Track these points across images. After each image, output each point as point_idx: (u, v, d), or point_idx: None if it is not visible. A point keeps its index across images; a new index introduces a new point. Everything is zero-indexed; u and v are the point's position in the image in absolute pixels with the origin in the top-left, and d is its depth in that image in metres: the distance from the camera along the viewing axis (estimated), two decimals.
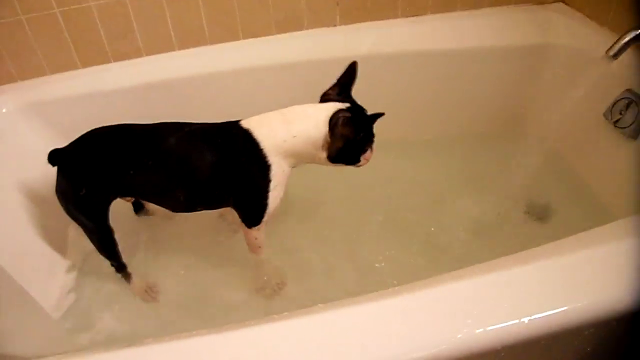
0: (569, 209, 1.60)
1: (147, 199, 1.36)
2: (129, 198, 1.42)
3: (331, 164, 1.20)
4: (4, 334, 0.83)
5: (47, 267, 1.42)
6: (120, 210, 1.35)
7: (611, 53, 1.28)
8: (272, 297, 1.40)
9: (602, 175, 1.56)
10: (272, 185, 1.19)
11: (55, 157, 1.22)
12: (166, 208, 1.31)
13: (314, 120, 1.15)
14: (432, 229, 1.58)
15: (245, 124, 1.20)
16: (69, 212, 1.27)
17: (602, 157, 1.55)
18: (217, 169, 1.18)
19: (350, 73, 1.23)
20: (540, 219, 1.59)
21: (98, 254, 1.36)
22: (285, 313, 0.90)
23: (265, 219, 1.26)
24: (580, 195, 1.61)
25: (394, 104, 1.71)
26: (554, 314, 0.85)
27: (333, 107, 1.15)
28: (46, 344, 0.89)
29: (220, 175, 1.18)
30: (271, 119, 1.19)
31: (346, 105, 1.17)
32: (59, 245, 1.49)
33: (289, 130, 1.16)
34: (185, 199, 1.23)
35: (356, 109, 1.19)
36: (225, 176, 1.19)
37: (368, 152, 1.22)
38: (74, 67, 1.57)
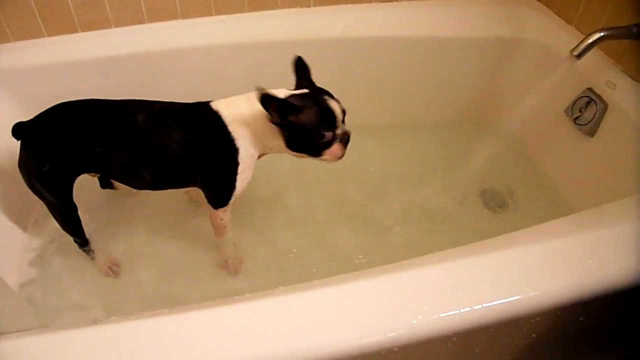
0: (529, 200, 1.66)
1: (113, 177, 1.34)
2: (94, 174, 1.40)
3: (293, 153, 1.20)
4: None
5: (9, 241, 1.40)
6: (85, 185, 1.33)
7: (575, 53, 1.32)
8: (234, 274, 1.42)
9: (562, 168, 1.63)
10: (240, 168, 1.19)
11: (19, 130, 1.19)
12: (132, 186, 1.30)
13: None
14: (391, 214, 1.61)
15: (214, 105, 1.19)
16: (31, 187, 1.24)
17: (562, 151, 1.61)
18: (185, 150, 1.17)
19: (300, 67, 1.23)
20: (500, 209, 1.65)
21: None
22: (246, 295, 0.93)
23: (232, 200, 1.26)
24: (540, 187, 1.67)
25: (364, 89, 1.74)
26: (504, 302, 0.89)
27: (282, 92, 1.15)
28: (7, 318, 0.88)
29: (188, 155, 1.18)
30: (238, 102, 1.19)
31: (302, 91, 1.17)
32: (22, 219, 1.46)
33: (253, 114, 1.16)
34: (152, 178, 1.22)
35: (311, 96, 1.16)
36: (193, 157, 1.18)
37: (335, 147, 1.17)
38: (40, 35, 1.52)
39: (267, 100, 1.08)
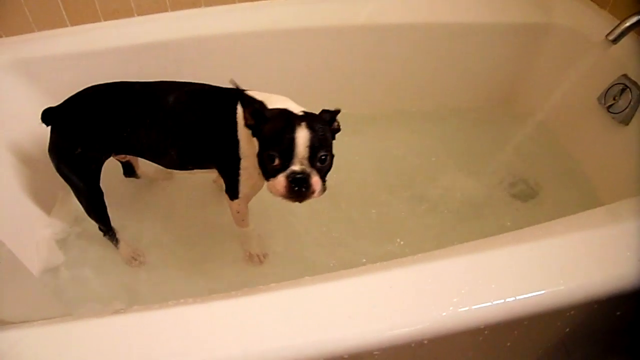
0: (558, 190, 1.61)
1: (142, 156, 1.33)
2: (122, 156, 1.40)
3: (258, 167, 1.11)
4: None
5: (33, 228, 1.40)
6: (109, 174, 1.33)
7: (611, 37, 1.27)
8: (258, 265, 1.40)
9: (593, 158, 1.57)
10: (242, 164, 1.16)
11: (48, 115, 1.19)
12: (160, 165, 1.30)
13: None
14: (419, 202, 1.58)
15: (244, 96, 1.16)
16: (60, 171, 1.24)
17: (594, 140, 1.56)
18: (202, 132, 1.17)
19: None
20: (528, 198, 1.61)
21: (86, 216, 1.35)
22: (272, 284, 0.91)
23: (240, 196, 1.23)
24: (569, 176, 1.62)
25: (391, 75, 1.71)
26: (538, 295, 0.86)
27: (283, 102, 1.10)
28: (31, 306, 0.89)
29: (204, 138, 1.18)
30: (260, 98, 1.13)
31: (299, 110, 1.08)
32: (46, 206, 1.47)
33: None
34: (177, 156, 1.22)
35: (294, 117, 1.03)
36: (207, 141, 1.18)
37: (279, 179, 0.99)
38: (63, 24, 1.52)
39: (247, 100, 1.06)
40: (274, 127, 1.01)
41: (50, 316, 0.88)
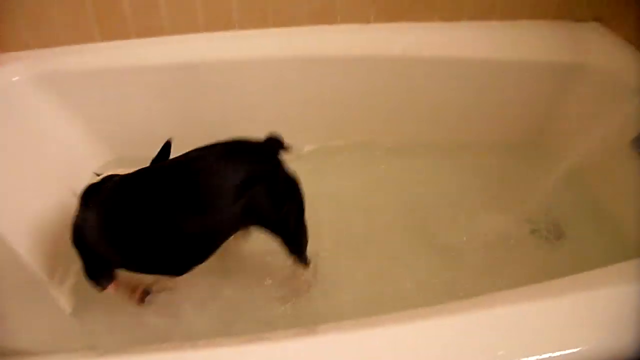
0: (583, 235, 1.56)
1: None
2: None
3: None
4: (14, 325, 0.79)
5: (59, 255, 1.36)
6: None
7: None
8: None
9: (623, 204, 1.53)
10: None
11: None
12: None
13: None
14: (445, 240, 1.54)
15: None
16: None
17: (625, 186, 1.52)
18: None
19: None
20: (552, 241, 1.57)
21: None
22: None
23: None
24: (596, 222, 1.57)
25: (421, 108, 1.69)
26: (584, 350, 0.81)
27: None
28: (56, 338, 0.85)
29: None
30: None
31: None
32: None
33: None
34: None
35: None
36: None
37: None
38: (93, 40, 1.50)
39: None
40: None
41: (73, 349, 0.84)
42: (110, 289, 1.25)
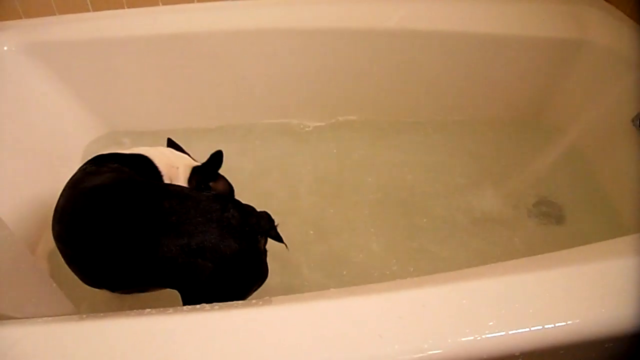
0: (580, 212, 1.55)
1: None
2: None
3: None
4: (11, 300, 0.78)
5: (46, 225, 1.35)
6: None
7: None
8: None
9: (621, 182, 1.52)
10: None
11: None
12: None
13: None
14: (439, 217, 1.53)
15: None
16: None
17: (624, 164, 1.50)
18: None
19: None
20: (552, 219, 1.55)
21: None
22: (295, 295, 0.86)
23: None
24: (593, 199, 1.57)
25: (417, 83, 1.66)
26: (576, 323, 0.81)
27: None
28: (36, 301, 0.83)
29: None
30: None
31: None
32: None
33: None
34: None
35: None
36: None
37: None
38: (85, 9, 1.48)
39: None
40: None
41: (56, 313, 0.83)
42: None
